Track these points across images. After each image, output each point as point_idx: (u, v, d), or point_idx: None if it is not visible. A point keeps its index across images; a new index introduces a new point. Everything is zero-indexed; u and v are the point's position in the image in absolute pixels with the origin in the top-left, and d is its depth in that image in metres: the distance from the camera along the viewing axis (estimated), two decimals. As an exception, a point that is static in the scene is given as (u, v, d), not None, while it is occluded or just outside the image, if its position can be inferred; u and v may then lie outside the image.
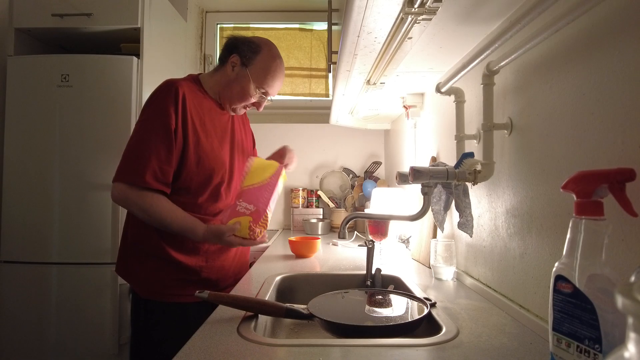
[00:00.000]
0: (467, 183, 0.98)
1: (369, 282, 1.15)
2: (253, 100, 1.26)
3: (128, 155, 1.13)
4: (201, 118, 1.20)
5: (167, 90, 1.15)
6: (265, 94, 1.26)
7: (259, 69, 1.23)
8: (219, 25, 2.75)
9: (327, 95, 2.71)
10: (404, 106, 1.63)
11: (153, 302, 1.16)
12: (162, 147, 1.11)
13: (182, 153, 1.15)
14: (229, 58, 1.23)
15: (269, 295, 1.03)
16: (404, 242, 1.70)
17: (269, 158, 1.40)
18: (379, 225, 1.44)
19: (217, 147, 1.23)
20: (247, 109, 1.32)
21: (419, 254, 1.43)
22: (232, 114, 1.31)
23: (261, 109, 1.32)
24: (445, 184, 1.08)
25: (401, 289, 1.12)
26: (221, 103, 1.27)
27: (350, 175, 2.54)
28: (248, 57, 1.22)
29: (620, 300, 0.23)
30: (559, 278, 0.49)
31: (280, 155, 1.40)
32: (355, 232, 2.12)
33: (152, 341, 1.16)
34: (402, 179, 1.10)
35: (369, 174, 2.47)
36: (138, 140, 1.13)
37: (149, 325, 1.18)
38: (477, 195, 1.05)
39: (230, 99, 1.25)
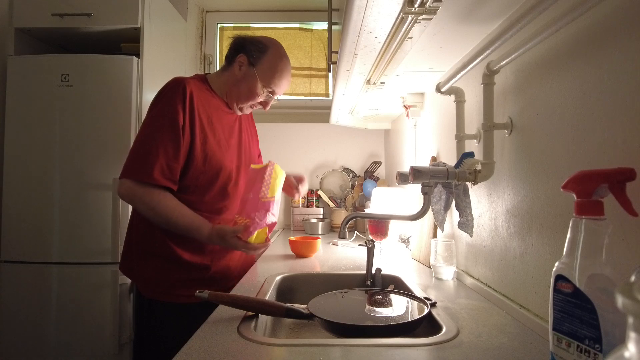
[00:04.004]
0: (467, 183, 0.98)
1: (369, 282, 1.15)
2: (260, 99, 1.26)
3: (135, 151, 1.13)
4: (209, 116, 1.20)
5: (176, 88, 1.15)
6: (273, 93, 1.26)
7: (266, 68, 1.23)
8: (219, 25, 2.75)
9: (327, 95, 2.71)
10: (404, 106, 1.63)
11: (157, 301, 1.16)
12: (170, 144, 1.11)
13: (189, 150, 1.15)
14: (236, 58, 1.24)
15: (269, 295, 1.03)
16: (404, 241, 1.70)
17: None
18: (379, 225, 1.44)
19: (225, 146, 1.23)
20: (254, 108, 1.32)
21: (419, 254, 1.43)
22: (239, 113, 1.31)
23: (268, 108, 1.32)
24: (445, 184, 1.08)
25: (401, 288, 1.12)
26: (228, 102, 1.28)
27: (351, 175, 2.54)
28: (255, 57, 1.23)
29: (620, 300, 0.23)
30: (559, 278, 0.49)
31: (298, 181, 1.40)
32: (356, 231, 2.12)
33: (156, 341, 1.16)
34: (403, 178, 1.10)
35: (369, 174, 2.47)
36: (146, 136, 1.13)
37: (152, 324, 1.17)
38: (477, 195, 1.05)
39: (238, 98, 1.26)
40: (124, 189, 1.11)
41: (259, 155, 1.54)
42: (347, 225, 1.12)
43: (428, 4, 0.79)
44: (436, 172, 0.95)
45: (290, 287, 1.23)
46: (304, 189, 1.41)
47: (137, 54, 1.83)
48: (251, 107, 1.30)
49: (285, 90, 1.32)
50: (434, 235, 1.34)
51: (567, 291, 0.48)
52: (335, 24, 1.48)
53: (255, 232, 1.12)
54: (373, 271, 1.17)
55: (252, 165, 1.20)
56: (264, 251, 1.70)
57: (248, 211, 1.12)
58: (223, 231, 1.11)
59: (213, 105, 1.24)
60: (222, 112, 1.27)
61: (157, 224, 1.14)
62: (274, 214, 1.15)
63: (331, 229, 2.36)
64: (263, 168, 1.16)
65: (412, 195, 1.72)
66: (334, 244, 1.88)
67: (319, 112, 2.61)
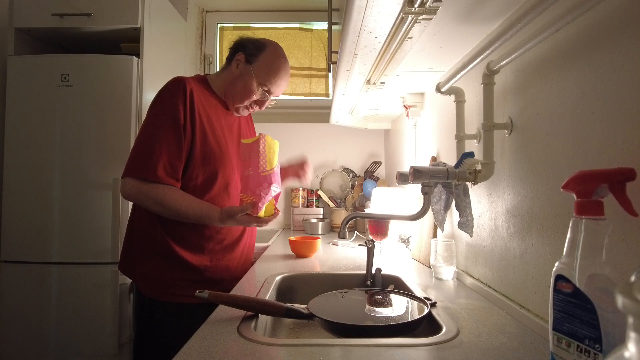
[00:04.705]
0: (467, 183, 0.98)
1: (369, 282, 1.15)
2: (255, 97, 1.26)
3: (138, 150, 1.13)
4: (208, 115, 1.20)
5: (176, 86, 1.15)
6: (268, 92, 1.26)
7: (262, 66, 1.23)
8: (219, 25, 2.75)
9: (327, 95, 2.71)
10: (404, 106, 1.63)
11: (157, 301, 1.16)
12: (172, 142, 1.11)
13: (189, 149, 1.15)
14: (235, 56, 1.25)
15: (269, 295, 1.03)
16: (404, 241, 1.70)
17: (288, 165, 1.46)
18: (379, 225, 1.44)
19: (224, 145, 1.23)
20: (251, 110, 1.32)
21: (419, 254, 1.43)
22: (236, 114, 1.31)
23: (263, 108, 1.32)
24: (445, 184, 1.08)
25: (401, 288, 1.12)
26: (226, 102, 1.28)
27: (351, 175, 2.54)
28: (252, 54, 1.24)
29: (620, 300, 0.23)
30: (559, 278, 0.49)
31: (299, 166, 1.44)
32: (356, 231, 2.11)
33: (156, 341, 1.16)
34: (403, 178, 1.10)
35: (369, 174, 2.47)
36: (148, 135, 1.13)
37: (152, 324, 1.17)
38: (477, 195, 1.05)
39: (234, 97, 1.26)
40: (129, 188, 1.11)
41: None
42: (347, 225, 1.12)
43: (428, 4, 0.79)
44: (436, 172, 0.95)
45: (290, 287, 1.23)
46: (310, 172, 1.44)
47: (137, 54, 1.83)
48: (247, 108, 1.30)
49: (282, 92, 1.32)
50: (434, 235, 1.34)
51: (567, 291, 0.48)
52: (335, 24, 1.48)
53: (264, 207, 1.13)
54: (373, 271, 1.16)
55: (243, 141, 1.18)
56: (264, 250, 1.70)
57: (252, 188, 1.12)
58: (232, 212, 1.11)
59: (212, 105, 1.24)
60: (222, 112, 1.27)
61: (167, 217, 1.14)
62: (278, 185, 1.16)
63: (331, 229, 2.36)
64: (255, 142, 1.14)
65: (412, 195, 1.72)
66: (334, 244, 1.88)
67: (319, 112, 2.61)
